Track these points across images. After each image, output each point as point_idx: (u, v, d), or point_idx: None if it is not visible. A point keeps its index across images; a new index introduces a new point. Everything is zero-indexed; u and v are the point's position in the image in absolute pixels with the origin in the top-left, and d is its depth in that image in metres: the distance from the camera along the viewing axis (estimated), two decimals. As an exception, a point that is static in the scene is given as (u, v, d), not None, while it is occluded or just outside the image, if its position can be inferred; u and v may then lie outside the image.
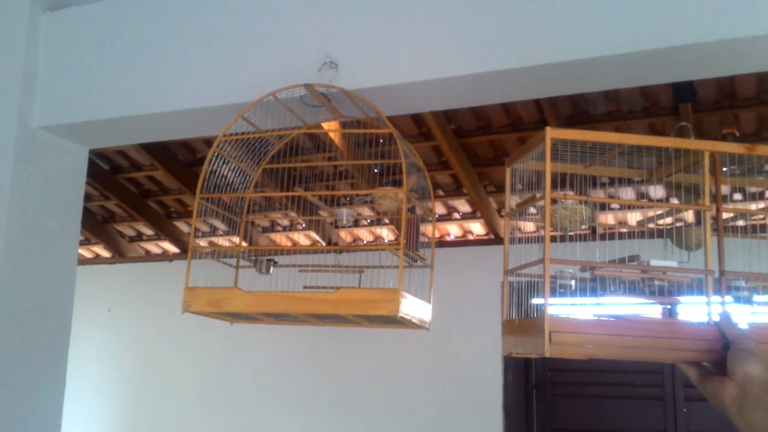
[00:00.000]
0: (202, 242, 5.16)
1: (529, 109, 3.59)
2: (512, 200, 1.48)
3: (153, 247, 5.40)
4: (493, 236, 4.44)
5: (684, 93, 3.16)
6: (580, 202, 1.40)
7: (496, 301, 4.23)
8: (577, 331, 1.21)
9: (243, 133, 1.78)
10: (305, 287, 1.73)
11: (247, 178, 1.89)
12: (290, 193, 1.80)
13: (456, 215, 4.47)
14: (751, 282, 1.28)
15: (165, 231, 5.00)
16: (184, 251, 5.16)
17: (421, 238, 1.87)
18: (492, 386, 4.09)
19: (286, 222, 4.76)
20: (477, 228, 4.54)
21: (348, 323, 1.79)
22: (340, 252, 3.46)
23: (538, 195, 1.33)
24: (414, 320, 1.70)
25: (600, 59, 1.70)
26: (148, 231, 5.20)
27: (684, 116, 3.36)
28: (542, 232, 1.28)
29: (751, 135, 3.48)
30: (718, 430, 3.65)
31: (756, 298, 1.33)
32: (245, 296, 1.71)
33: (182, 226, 5.08)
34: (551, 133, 1.29)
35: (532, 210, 1.49)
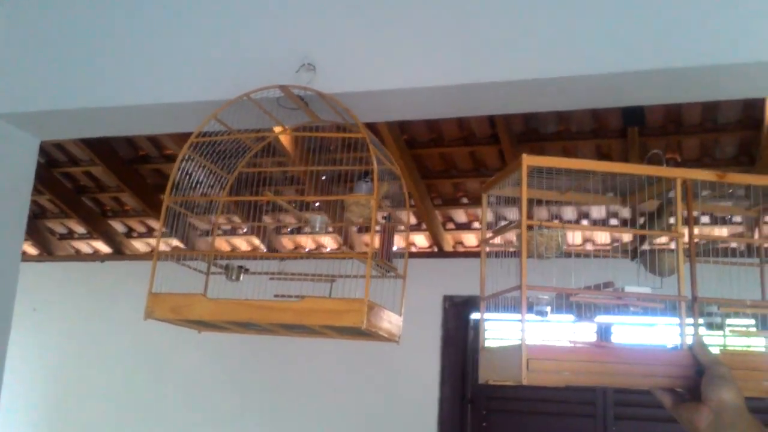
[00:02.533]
0: (148, 244, 5.02)
1: (481, 125, 3.62)
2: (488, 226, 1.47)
3: (84, 246, 5.19)
4: (436, 249, 4.44)
5: (634, 117, 3.23)
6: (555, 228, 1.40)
7: (436, 315, 4.23)
8: (553, 358, 1.20)
9: (217, 133, 1.71)
10: (276, 296, 1.67)
11: (218, 180, 1.82)
12: (262, 198, 1.74)
13: (400, 226, 4.45)
14: (724, 308, 1.30)
15: (98, 230, 4.82)
16: (118, 252, 4.98)
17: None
18: (428, 400, 4.08)
19: (227, 226, 4.65)
20: (420, 240, 4.54)
21: (316, 334, 1.74)
22: (283, 259, 3.40)
23: (513, 222, 1.32)
24: (381, 332, 1.66)
25: (580, 78, 1.73)
26: (80, 229, 5.00)
27: (631, 140, 3.44)
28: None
29: (693, 161, 3.58)
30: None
31: (728, 323, 1.34)
32: (208, 304, 1.64)
33: (117, 225, 4.90)
34: (528, 161, 1.29)
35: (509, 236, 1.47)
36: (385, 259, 1.76)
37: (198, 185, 1.79)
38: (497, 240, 1.54)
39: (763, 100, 3.16)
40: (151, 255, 1.81)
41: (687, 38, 1.66)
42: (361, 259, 1.68)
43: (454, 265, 4.26)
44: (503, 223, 1.52)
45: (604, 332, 3.98)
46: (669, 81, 1.73)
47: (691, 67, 1.66)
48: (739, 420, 1.06)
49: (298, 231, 4.49)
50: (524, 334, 1.20)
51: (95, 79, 2.01)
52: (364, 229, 4.27)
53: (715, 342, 1.28)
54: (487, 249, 1.49)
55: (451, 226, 4.35)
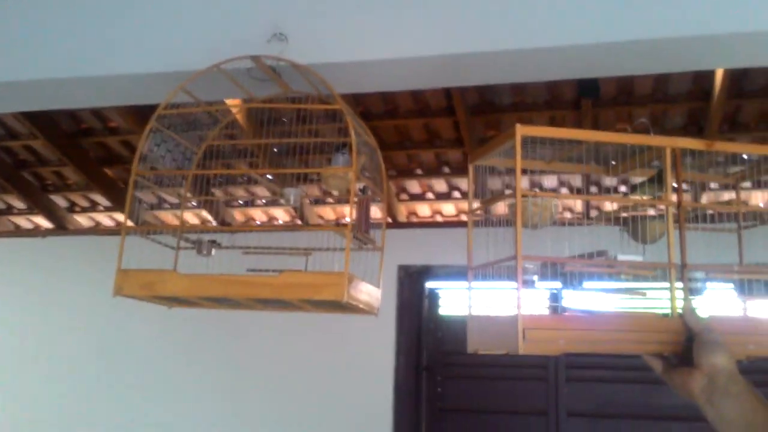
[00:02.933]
0: (86, 219, 4.84)
1: (437, 97, 3.61)
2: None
3: (24, 222, 5.00)
4: (391, 220, 4.45)
5: (589, 88, 3.28)
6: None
7: (391, 284, 4.24)
8: (549, 327, 1.21)
9: (185, 105, 1.65)
10: (249, 270, 1.64)
11: (186, 153, 1.76)
12: (236, 171, 1.69)
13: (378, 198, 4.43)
14: (712, 274, 1.33)
15: (39, 205, 4.64)
16: (60, 227, 4.81)
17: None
18: (384, 369, 4.10)
19: (174, 200, 4.54)
20: (374, 211, 4.52)
21: (292, 308, 1.72)
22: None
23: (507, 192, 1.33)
24: (361, 305, 1.65)
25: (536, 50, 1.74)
26: (20, 204, 4.80)
27: (585, 111, 3.49)
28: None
29: (644, 132, 3.65)
30: (595, 408, 3.88)
31: (713, 287, 1.38)
32: (181, 279, 1.60)
33: (59, 200, 4.72)
34: (521, 131, 1.29)
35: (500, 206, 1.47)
36: (363, 232, 1.74)
37: (163, 158, 1.74)
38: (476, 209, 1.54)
39: (712, 73, 3.25)
40: (97, 230, 1.75)
41: (640, 12, 1.69)
42: (340, 232, 1.66)
43: (408, 236, 4.27)
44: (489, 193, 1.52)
45: (555, 299, 4.03)
46: (623, 53, 1.76)
47: (644, 39, 1.70)
48: (732, 384, 1.08)
49: (251, 204, 4.42)
50: (520, 304, 1.21)
51: (55, 49, 1.91)
52: (342, 200, 4.22)
53: (704, 307, 1.32)
54: (464, 218, 1.48)
55: (404, 197, 4.35)
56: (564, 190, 4.00)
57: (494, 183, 1.50)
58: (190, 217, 4.68)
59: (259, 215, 4.56)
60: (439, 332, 4.16)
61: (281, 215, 4.56)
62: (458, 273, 4.16)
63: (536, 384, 4.00)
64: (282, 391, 4.18)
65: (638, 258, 1.29)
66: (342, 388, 4.10)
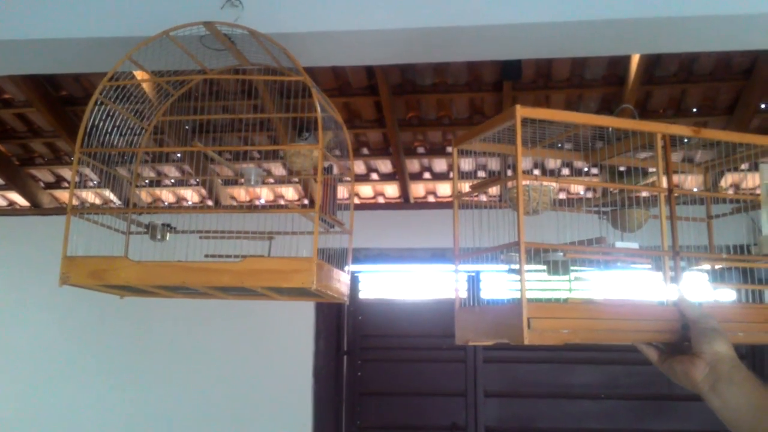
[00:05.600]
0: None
1: (358, 75, 3.52)
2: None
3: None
4: (307, 202, 4.33)
5: (512, 70, 3.28)
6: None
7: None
8: (553, 316, 1.17)
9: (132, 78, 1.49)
10: (207, 256, 1.51)
11: (135, 129, 1.60)
12: (189, 148, 1.55)
13: (346, 177, 4.29)
14: (704, 261, 1.34)
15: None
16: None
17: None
18: (303, 353, 4.01)
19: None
20: (290, 193, 4.40)
21: (255, 296, 1.60)
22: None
23: (503, 177, 1.27)
24: (330, 292, 1.56)
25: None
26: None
27: (506, 93, 3.51)
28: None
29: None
30: (510, 387, 3.97)
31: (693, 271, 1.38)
32: (134, 267, 1.45)
33: None
34: (521, 111, 1.23)
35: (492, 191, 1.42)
36: (330, 213, 1.65)
37: (110, 134, 1.57)
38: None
39: (627, 59, 3.34)
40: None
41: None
42: (306, 214, 1.56)
43: (326, 219, 4.18)
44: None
45: (473, 284, 4.07)
46: (546, 35, 1.78)
47: (565, 21, 1.72)
48: (735, 372, 1.07)
49: (159, 184, 4.17)
50: (524, 293, 1.15)
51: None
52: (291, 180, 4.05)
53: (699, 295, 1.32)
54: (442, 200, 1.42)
55: (321, 178, 4.24)
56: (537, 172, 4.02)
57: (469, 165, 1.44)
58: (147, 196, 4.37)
59: (192, 196, 4.33)
60: (359, 316, 4.11)
61: (192, 197, 4.34)
62: (378, 256, 4.12)
63: (455, 366, 4.04)
64: (200, 377, 4.01)
65: (634, 245, 1.28)
66: (261, 374, 3.98)
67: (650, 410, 3.84)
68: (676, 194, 1.29)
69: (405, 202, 4.21)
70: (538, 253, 1.27)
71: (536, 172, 3.95)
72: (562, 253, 1.25)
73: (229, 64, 1.70)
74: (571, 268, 1.33)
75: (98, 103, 1.48)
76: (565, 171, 3.89)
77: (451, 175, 1.83)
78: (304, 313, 4.00)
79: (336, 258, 1.73)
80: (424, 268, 4.14)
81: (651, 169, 1.42)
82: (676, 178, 1.38)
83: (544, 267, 1.30)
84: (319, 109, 1.52)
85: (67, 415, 4.06)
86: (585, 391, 3.90)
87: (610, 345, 1.21)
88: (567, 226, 1.42)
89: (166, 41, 1.55)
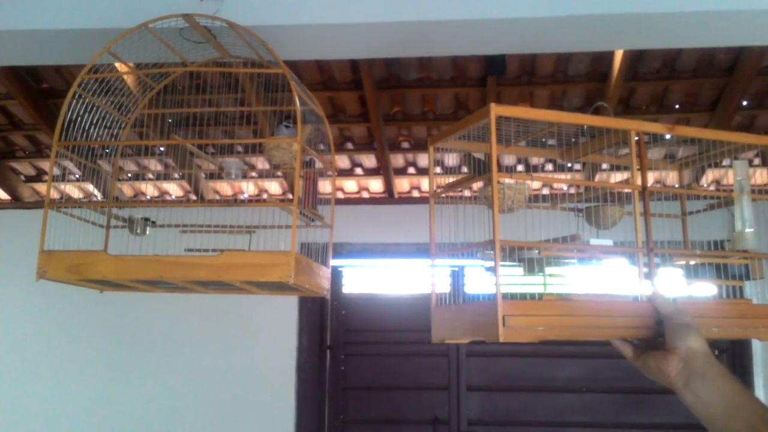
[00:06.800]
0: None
1: (343, 69, 3.52)
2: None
3: None
4: (291, 196, 4.33)
5: (496, 65, 3.29)
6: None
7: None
8: (528, 313, 1.17)
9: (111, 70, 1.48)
10: (187, 250, 1.51)
11: (114, 122, 1.59)
12: (169, 141, 1.54)
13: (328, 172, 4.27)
14: (678, 258, 1.35)
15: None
16: None
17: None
18: (286, 349, 4.01)
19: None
20: (275, 188, 4.40)
21: (235, 290, 1.60)
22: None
23: (475, 175, 1.27)
24: (309, 286, 1.56)
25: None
26: None
27: (491, 89, 3.51)
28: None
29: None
30: (493, 381, 3.99)
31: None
32: (112, 261, 1.45)
33: None
34: (496, 110, 1.23)
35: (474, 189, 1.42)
36: (310, 207, 1.65)
37: (92, 127, 1.56)
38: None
39: (610, 55, 3.36)
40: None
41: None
42: (285, 208, 1.56)
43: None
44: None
45: (456, 279, 4.07)
46: (530, 30, 1.79)
47: (548, 17, 1.75)
48: (708, 367, 1.07)
49: (141, 177, 4.16)
50: (499, 291, 1.16)
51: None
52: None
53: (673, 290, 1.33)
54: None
55: (305, 173, 4.24)
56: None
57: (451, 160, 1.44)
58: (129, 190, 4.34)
59: (175, 190, 4.31)
60: (343, 311, 4.11)
61: (175, 190, 4.33)
62: (361, 251, 4.12)
63: (438, 360, 4.05)
64: (182, 372, 4.00)
65: (609, 242, 1.29)
66: (245, 369, 3.97)
67: (631, 403, 3.87)
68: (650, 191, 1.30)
69: (389, 197, 4.22)
70: (513, 251, 1.28)
71: (520, 168, 3.97)
72: (537, 251, 1.26)
73: (212, 56, 1.69)
74: (546, 265, 1.34)
75: (76, 95, 1.47)
76: (549, 167, 3.91)
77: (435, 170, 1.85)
78: (288, 308, 3.99)
79: (318, 252, 1.73)
80: (408, 263, 4.14)
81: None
82: (657, 175, 1.39)
83: (520, 265, 1.31)
84: (297, 101, 1.51)
85: (44, 411, 4.04)
86: (566, 385, 3.93)
87: (588, 340, 1.21)
88: (542, 223, 1.42)
89: (146, 33, 1.54)
